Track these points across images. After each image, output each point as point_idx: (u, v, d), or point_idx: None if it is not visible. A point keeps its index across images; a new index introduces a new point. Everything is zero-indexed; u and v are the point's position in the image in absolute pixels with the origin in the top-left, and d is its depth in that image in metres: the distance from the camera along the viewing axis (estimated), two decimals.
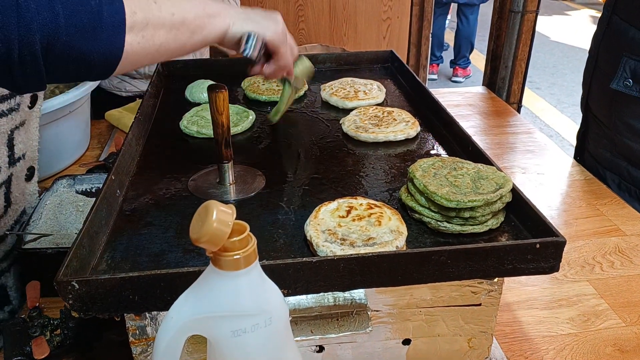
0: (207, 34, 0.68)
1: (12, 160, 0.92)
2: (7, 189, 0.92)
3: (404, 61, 2.90)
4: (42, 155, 1.22)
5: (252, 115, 1.05)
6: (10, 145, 0.91)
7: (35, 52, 0.52)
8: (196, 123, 1.01)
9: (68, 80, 0.60)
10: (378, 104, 1.13)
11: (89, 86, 1.29)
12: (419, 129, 1.00)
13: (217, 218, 0.44)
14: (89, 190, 1.09)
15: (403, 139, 0.98)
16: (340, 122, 1.02)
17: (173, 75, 1.28)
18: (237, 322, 0.47)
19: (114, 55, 0.57)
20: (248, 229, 0.47)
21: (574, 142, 1.54)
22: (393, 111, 1.05)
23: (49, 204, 1.01)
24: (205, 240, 0.44)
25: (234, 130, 0.97)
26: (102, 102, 1.65)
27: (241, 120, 1.02)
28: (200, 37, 0.67)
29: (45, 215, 0.98)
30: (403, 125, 0.99)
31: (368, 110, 1.06)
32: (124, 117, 1.50)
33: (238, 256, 0.46)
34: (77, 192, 1.08)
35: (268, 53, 0.80)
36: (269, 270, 0.59)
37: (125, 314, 0.62)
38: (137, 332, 0.64)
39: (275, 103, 1.09)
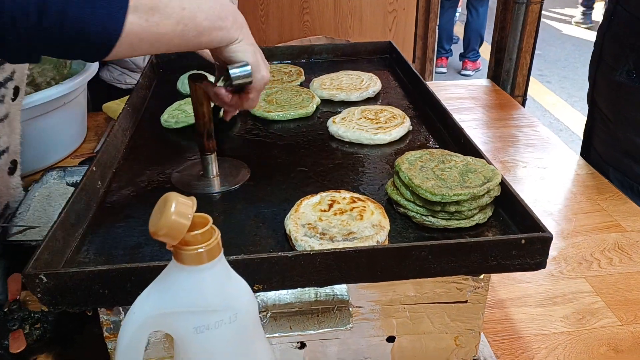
0: (212, 39, 0.64)
1: None
2: None
3: (411, 54, 2.86)
4: (37, 147, 1.21)
5: None
6: None
7: (29, 14, 0.49)
8: (176, 117, 0.99)
9: (64, 56, 0.56)
10: (370, 98, 1.11)
11: (84, 77, 1.28)
12: (408, 125, 0.97)
13: (176, 210, 0.42)
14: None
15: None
16: (327, 124, 0.98)
17: (166, 67, 1.27)
18: (200, 318, 0.46)
19: (114, 32, 0.53)
20: (211, 221, 0.45)
21: None
22: (384, 110, 1.02)
23: (37, 196, 1.00)
24: (164, 234, 0.42)
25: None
26: (101, 94, 1.65)
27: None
28: (206, 39, 0.63)
29: (33, 207, 0.97)
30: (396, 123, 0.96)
31: (354, 112, 1.01)
32: (121, 109, 1.49)
33: (200, 250, 0.44)
34: (67, 184, 1.07)
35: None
36: (243, 265, 0.58)
37: (98, 309, 0.61)
38: (111, 326, 0.63)
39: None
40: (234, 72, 0.69)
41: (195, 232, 0.44)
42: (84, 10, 0.51)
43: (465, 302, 0.68)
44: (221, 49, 0.67)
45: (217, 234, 0.46)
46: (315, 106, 1.05)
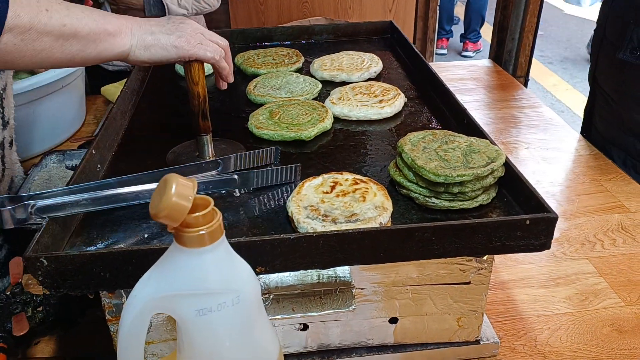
0: (102, 51, 0.67)
1: (4, 123, 0.90)
2: (2, 151, 0.90)
3: (411, 34, 2.82)
4: (35, 131, 1.20)
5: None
6: (2, 106, 0.89)
7: None
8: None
9: None
10: (372, 78, 1.10)
11: None
12: (403, 96, 0.96)
13: (177, 192, 0.42)
14: None
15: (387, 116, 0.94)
16: (327, 106, 0.96)
17: None
18: (203, 301, 0.45)
19: None
20: (212, 203, 0.44)
21: None
22: (372, 85, 1.00)
23: (37, 179, 1.00)
24: (164, 215, 0.42)
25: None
26: (96, 77, 1.64)
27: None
28: (93, 52, 0.67)
29: (33, 190, 0.97)
30: (393, 95, 0.96)
31: (345, 90, 0.99)
32: (119, 92, 1.48)
33: (202, 232, 0.44)
34: (67, 167, 1.07)
35: None
36: (246, 247, 0.57)
37: (100, 292, 0.61)
38: (113, 309, 0.62)
39: None
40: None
41: (197, 214, 0.43)
42: None
43: (469, 283, 0.68)
44: (129, 60, 0.71)
45: (219, 216, 0.45)
46: (316, 131, 0.87)
